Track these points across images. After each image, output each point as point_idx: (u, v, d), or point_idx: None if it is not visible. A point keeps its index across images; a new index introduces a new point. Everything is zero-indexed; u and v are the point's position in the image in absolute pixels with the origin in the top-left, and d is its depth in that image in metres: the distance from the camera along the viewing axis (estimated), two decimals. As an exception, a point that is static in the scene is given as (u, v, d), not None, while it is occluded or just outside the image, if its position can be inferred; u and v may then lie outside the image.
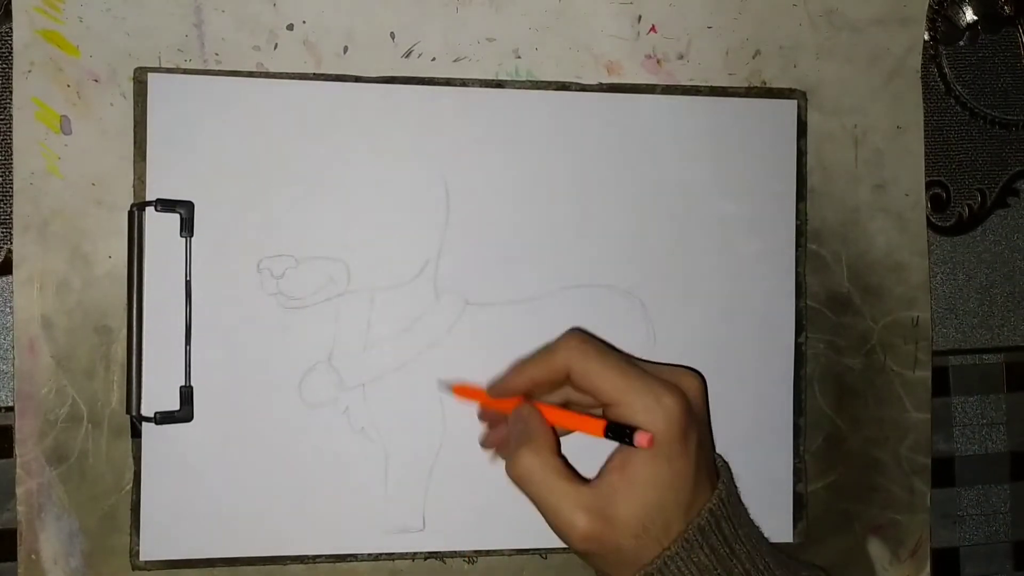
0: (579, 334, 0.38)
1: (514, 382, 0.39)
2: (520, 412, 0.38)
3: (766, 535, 0.45)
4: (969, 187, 0.49)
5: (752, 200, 0.46)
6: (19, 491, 0.41)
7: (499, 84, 0.44)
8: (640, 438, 0.34)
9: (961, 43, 0.49)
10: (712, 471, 0.37)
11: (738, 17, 0.46)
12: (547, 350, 0.38)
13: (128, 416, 0.41)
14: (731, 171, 0.45)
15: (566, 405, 0.39)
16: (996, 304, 0.50)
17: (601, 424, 0.36)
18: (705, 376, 0.45)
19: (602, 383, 0.36)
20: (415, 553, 0.43)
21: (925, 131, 0.48)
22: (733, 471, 0.45)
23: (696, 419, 0.36)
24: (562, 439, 0.38)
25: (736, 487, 0.39)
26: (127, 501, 0.41)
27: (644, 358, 0.45)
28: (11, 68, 0.41)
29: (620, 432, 0.35)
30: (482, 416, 0.42)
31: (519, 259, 0.44)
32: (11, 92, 0.41)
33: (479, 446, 0.43)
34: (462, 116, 0.44)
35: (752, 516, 0.45)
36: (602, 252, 0.44)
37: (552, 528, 0.35)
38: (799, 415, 0.46)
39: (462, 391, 0.42)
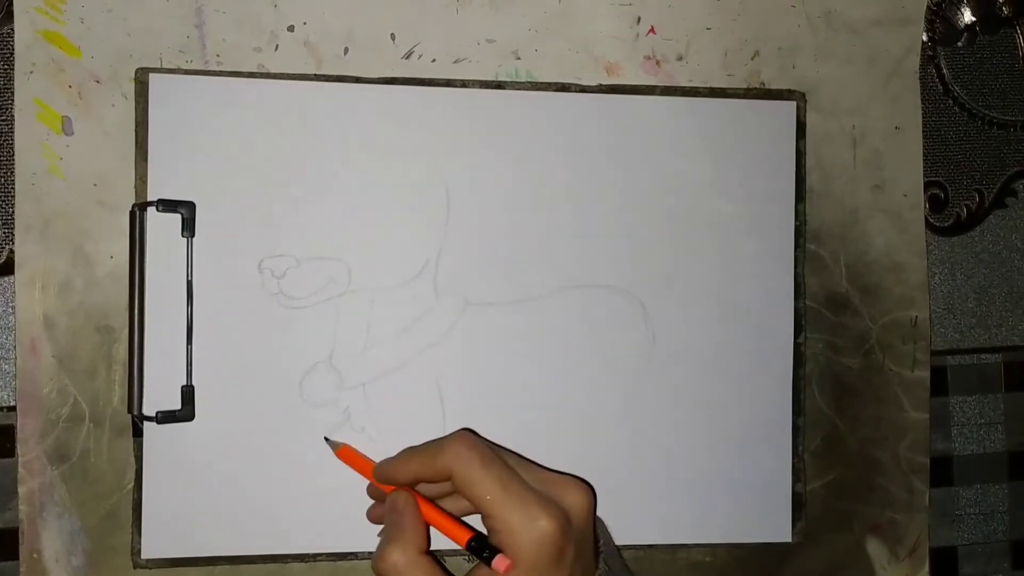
0: (467, 436, 0.37)
1: (398, 472, 0.38)
2: (396, 502, 0.38)
3: (765, 535, 0.46)
4: (967, 188, 0.50)
5: (751, 201, 0.46)
6: (21, 490, 0.41)
7: (499, 85, 0.44)
8: (499, 562, 0.34)
9: (959, 44, 0.49)
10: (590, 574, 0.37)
11: (737, 18, 0.46)
12: (434, 449, 0.37)
13: (130, 415, 0.41)
14: (730, 172, 0.46)
15: (438, 500, 0.39)
16: (994, 304, 0.50)
17: (466, 536, 0.36)
18: (705, 377, 0.45)
19: (480, 495, 0.35)
20: (415, 552, 0.43)
21: (923, 132, 0.48)
22: (733, 471, 0.45)
23: (575, 537, 0.36)
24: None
25: (619, 562, 0.40)
26: (129, 500, 0.41)
27: (643, 358, 0.45)
28: (13, 69, 0.41)
29: (482, 549, 0.35)
30: (369, 491, 0.42)
31: (519, 259, 0.44)
32: (13, 93, 0.41)
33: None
34: (462, 117, 0.44)
35: (751, 516, 0.45)
36: (602, 252, 0.45)
37: None
38: (798, 415, 0.46)
39: (347, 456, 0.41)
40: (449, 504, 0.40)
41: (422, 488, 0.39)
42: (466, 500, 0.37)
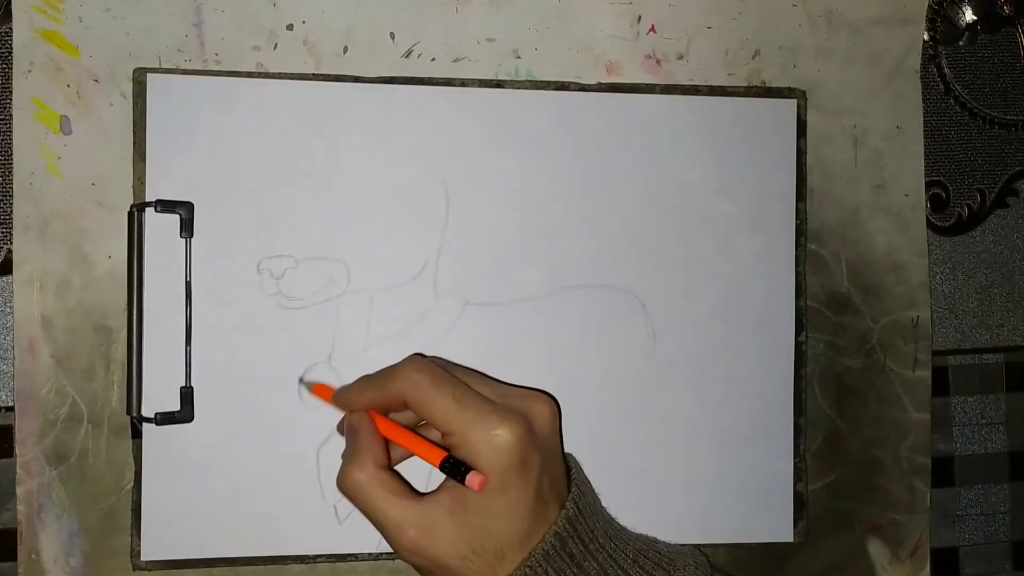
0: (418, 361, 0.37)
1: (355, 399, 0.38)
2: (351, 422, 0.37)
3: (766, 535, 0.46)
4: (968, 187, 0.50)
5: (752, 200, 0.46)
6: (19, 491, 0.41)
7: (499, 84, 0.44)
8: (472, 479, 0.34)
9: (960, 43, 0.49)
10: (561, 491, 0.36)
11: (738, 17, 0.46)
12: (386, 376, 0.37)
13: (128, 416, 0.41)
14: (731, 171, 0.45)
15: (414, 427, 0.38)
16: (995, 304, 0.50)
17: (439, 456, 0.35)
18: (706, 377, 0.45)
19: (437, 415, 0.35)
20: (415, 553, 0.43)
21: (924, 131, 0.48)
22: (733, 471, 0.45)
23: (539, 447, 0.35)
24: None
25: (592, 495, 0.39)
26: (127, 501, 0.41)
27: (644, 358, 0.45)
28: (11, 68, 0.41)
29: (456, 469, 0.35)
30: (339, 429, 0.41)
31: (519, 259, 0.44)
32: (11, 92, 0.41)
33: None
34: (462, 116, 0.44)
35: (752, 516, 0.45)
36: (602, 252, 0.44)
37: (383, 536, 0.35)
38: (799, 415, 0.46)
39: (321, 391, 0.41)
40: (424, 432, 0.39)
41: (398, 417, 0.38)
42: (427, 423, 0.37)
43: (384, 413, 0.38)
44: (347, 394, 0.39)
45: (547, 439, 0.36)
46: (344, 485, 0.36)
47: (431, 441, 0.37)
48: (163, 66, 0.42)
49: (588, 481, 0.39)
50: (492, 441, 0.34)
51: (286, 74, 0.42)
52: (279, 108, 0.42)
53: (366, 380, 0.38)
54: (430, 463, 0.36)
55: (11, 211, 0.41)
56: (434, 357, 0.39)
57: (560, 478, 0.37)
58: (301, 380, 0.42)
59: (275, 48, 0.43)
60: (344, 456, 0.37)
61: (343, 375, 0.42)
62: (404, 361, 0.37)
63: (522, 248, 0.44)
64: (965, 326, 0.50)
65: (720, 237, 0.45)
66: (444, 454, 0.35)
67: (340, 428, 0.41)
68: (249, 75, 0.42)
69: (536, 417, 0.36)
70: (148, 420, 0.41)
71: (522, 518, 0.34)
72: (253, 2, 0.42)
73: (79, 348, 0.41)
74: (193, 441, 0.41)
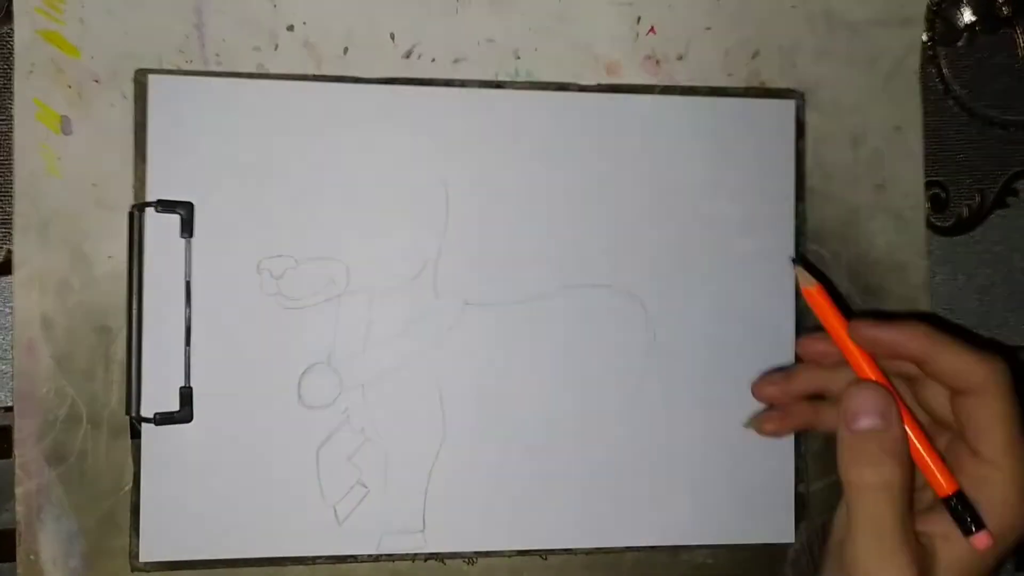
0: (1006, 364, 0.30)
1: (886, 335, 0.30)
2: (887, 409, 0.30)
3: (767, 536, 0.46)
4: (968, 187, 0.49)
5: (751, 200, 0.46)
6: (18, 491, 0.40)
7: (499, 85, 0.44)
8: (978, 539, 0.29)
9: (960, 44, 0.49)
10: None
11: (737, 18, 0.46)
12: (971, 356, 0.30)
13: (127, 417, 0.41)
14: (730, 171, 0.46)
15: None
16: (996, 304, 0.50)
17: (950, 489, 0.30)
18: (706, 377, 0.45)
19: (998, 437, 0.29)
20: (415, 554, 0.43)
21: (924, 131, 0.48)
22: (734, 472, 0.45)
23: None
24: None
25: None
26: (126, 502, 0.41)
27: (644, 358, 0.45)
28: (12, 69, 0.41)
29: (962, 512, 0.29)
30: (804, 347, 0.34)
31: (519, 259, 0.44)
32: (12, 93, 0.41)
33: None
34: (462, 117, 0.44)
35: (753, 517, 0.45)
36: (602, 252, 0.44)
37: (851, 551, 0.29)
38: (800, 415, 0.46)
39: (816, 300, 0.33)
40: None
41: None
42: (949, 413, 0.31)
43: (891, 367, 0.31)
44: (875, 328, 0.31)
45: None
46: (874, 483, 0.29)
47: (945, 462, 0.31)
48: (164, 67, 0.42)
49: None
50: None
51: (287, 75, 0.43)
52: (280, 109, 0.42)
53: (928, 336, 0.31)
54: (935, 489, 0.30)
55: (11, 211, 0.41)
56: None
57: None
58: (794, 262, 0.36)
59: (276, 49, 0.43)
60: (873, 445, 0.29)
61: (343, 375, 0.42)
62: (994, 354, 0.31)
63: (522, 248, 0.44)
64: (965, 326, 0.50)
65: (720, 237, 0.45)
66: (956, 488, 0.30)
67: (802, 346, 0.34)
68: (250, 76, 0.42)
69: None
70: (147, 420, 0.41)
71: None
72: (254, 3, 0.42)
73: (79, 348, 0.41)
74: (192, 441, 0.41)
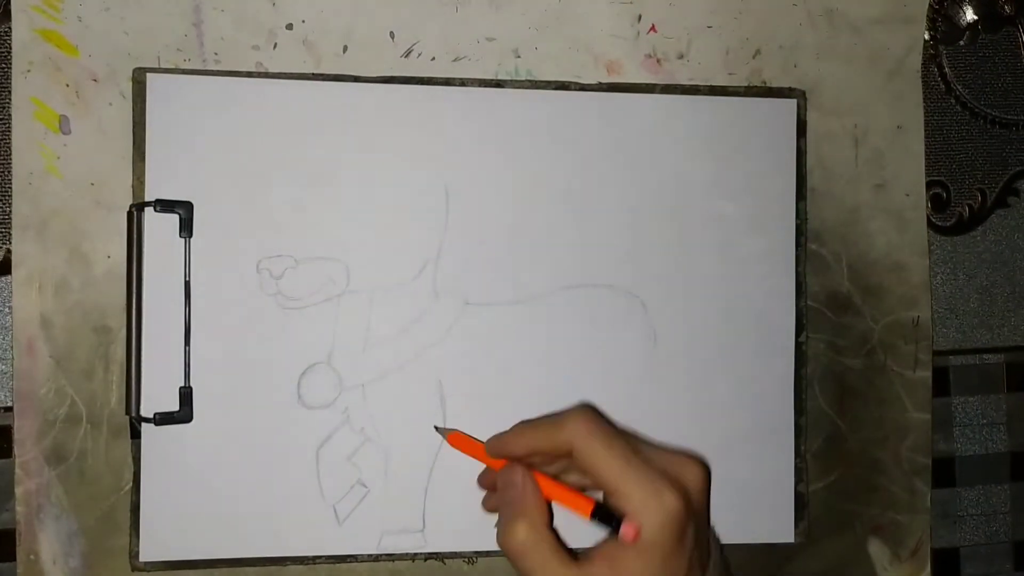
0: (588, 412, 0.37)
1: (514, 445, 0.38)
2: (513, 477, 0.37)
3: (767, 535, 0.46)
4: (969, 187, 0.49)
5: (752, 200, 0.46)
6: (18, 491, 0.40)
7: (499, 84, 0.44)
8: (626, 530, 0.34)
9: (961, 43, 0.49)
10: (703, 558, 0.36)
11: (738, 17, 0.46)
12: (553, 422, 0.37)
13: (127, 416, 0.41)
14: (731, 170, 0.45)
15: (556, 477, 0.38)
16: (996, 304, 0.50)
17: (589, 505, 0.35)
18: (706, 377, 0.45)
19: (604, 469, 0.35)
20: (415, 554, 0.43)
21: (925, 131, 0.48)
22: (734, 472, 0.45)
23: (695, 515, 0.35)
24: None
25: (726, 560, 0.39)
26: (126, 502, 0.41)
27: (644, 358, 0.45)
28: (10, 67, 0.41)
29: (607, 518, 0.34)
30: (481, 481, 0.41)
31: (519, 259, 0.44)
32: (10, 92, 0.41)
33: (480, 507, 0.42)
34: (462, 116, 0.43)
35: (753, 516, 0.45)
36: (602, 252, 0.44)
37: None
38: (800, 415, 0.46)
39: (458, 441, 0.41)
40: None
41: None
42: (581, 476, 0.36)
43: (529, 463, 0.38)
44: (503, 441, 0.38)
45: (701, 505, 0.36)
46: (511, 545, 0.35)
47: (578, 491, 0.37)
48: (162, 66, 0.42)
49: (719, 540, 0.39)
50: (658, 506, 0.34)
51: (286, 74, 0.42)
52: (278, 108, 0.42)
53: (526, 426, 0.38)
54: (580, 514, 0.35)
55: (10, 211, 0.41)
56: (596, 410, 0.39)
57: (705, 544, 0.37)
58: (437, 428, 0.42)
59: (275, 48, 0.43)
60: (504, 512, 0.36)
61: (343, 375, 0.42)
62: (573, 410, 0.37)
63: (522, 248, 0.44)
64: (966, 326, 0.50)
65: (720, 237, 0.45)
66: (593, 503, 0.35)
67: (482, 480, 0.41)
68: (248, 75, 0.42)
69: (692, 483, 0.36)
70: (147, 420, 0.41)
71: None
72: (252, 2, 0.42)
73: (78, 348, 0.41)
74: (192, 441, 0.41)
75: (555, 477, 0.38)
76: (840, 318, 0.47)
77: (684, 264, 0.45)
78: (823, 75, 0.46)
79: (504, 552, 0.35)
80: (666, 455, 0.37)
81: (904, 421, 0.47)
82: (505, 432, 0.39)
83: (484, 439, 0.40)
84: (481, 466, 0.41)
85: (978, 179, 0.50)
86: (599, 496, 0.36)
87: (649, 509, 0.34)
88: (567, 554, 0.35)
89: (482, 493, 0.42)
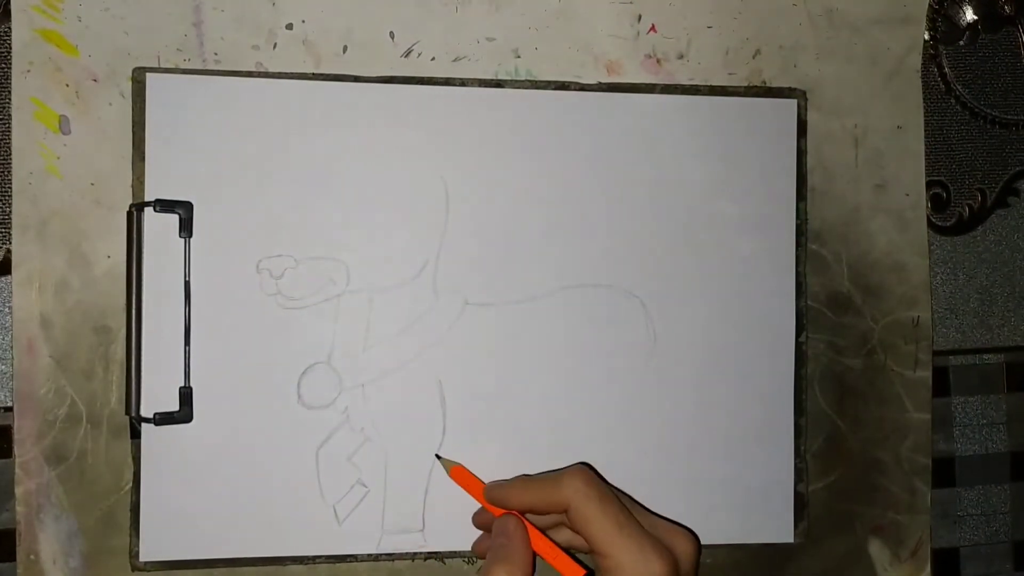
0: (585, 473, 0.37)
1: (512, 498, 0.39)
2: (506, 526, 0.38)
3: (767, 536, 0.46)
4: (969, 187, 0.49)
5: (752, 200, 0.46)
6: (18, 491, 0.40)
7: (498, 84, 0.44)
8: None
9: (961, 43, 0.49)
10: None
11: (738, 17, 0.46)
12: (552, 482, 0.37)
13: (127, 416, 0.41)
14: (731, 170, 0.45)
15: (548, 529, 0.39)
16: (996, 304, 0.50)
17: (579, 573, 0.37)
18: (706, 377, 0.45)
19: (596, 532, 0.36)
20: (415, 553, 0.43)
21: (925, 131, 0.48)
22: (734, 472, 0.45)
23: None
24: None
25: None
26: (126, 502, 0.41)
27: (644, 358, 0.45)
28: (10, 67, 0.41)
29: None
30: (475, 519, 0.42)
31: (519, 259, 0.44)
32: (10, 92, 0.41)
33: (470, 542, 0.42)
34: (461, 116, 0.43)
35: (753, 517, 0.45)
36: (602, 252, 0.44)
37: None
38: (800, 415, 0.46)
39: (459, 476, 0.41)
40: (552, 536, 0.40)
41: (529, 517, 0.39)
42: (574, 534, 0.38)
43: (524, 515, 0.39)
44: (503, 491, 0.39)
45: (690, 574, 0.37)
46: None
47: (571, 555, 0.38)
48: (162, 65, 0.42)
49: None
50: (645, 570, 0.35)
51: (285, 74, 0.42)
52: (278, 108, 0.42)
53: (527, 481, 0.39)
54: None
55: (10, 211, 0.41)
56: (594, 470, 0.39)
57: None
58: (438, 456, 0.42)
59: (274, 47, 0.43)
60: (490, 555, 0.37)
61: (343, 375, 0.42)
62: (571, 470, 0.38)
63: (522, 248, 0.44)
64: (966, 326, 0.50)
65: (720, 237, 0.45)
66: (584, 572, 0.37)
67: (476, 520, 0.42)
68: (248, 75, 0.42)
69: (682, 554, 0.37)
70: (147, 420, 0.41)
71: None
72: (252, 1, 0.42)
73: (78, 348, 0.41)
74: (192, 441, 0.41)
75: (547, 530, 0.39)
76: (840, 318, 0.47)
77: (684, 264, 0.45)
78: (823, 75, 0.46)
79: None
80: (659, 524, 0.38)
81: (904, 421, 0.47)
82: (505, 482, 0.40)
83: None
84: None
85: (978, 179, 0.50)
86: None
87: (637, 575, 0.35)
88: None
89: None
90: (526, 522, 0.38)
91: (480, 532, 0.42)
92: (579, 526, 0.36)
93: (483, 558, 0.41)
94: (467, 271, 0.43)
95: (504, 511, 0.39)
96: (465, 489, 0.41)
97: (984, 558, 0.50)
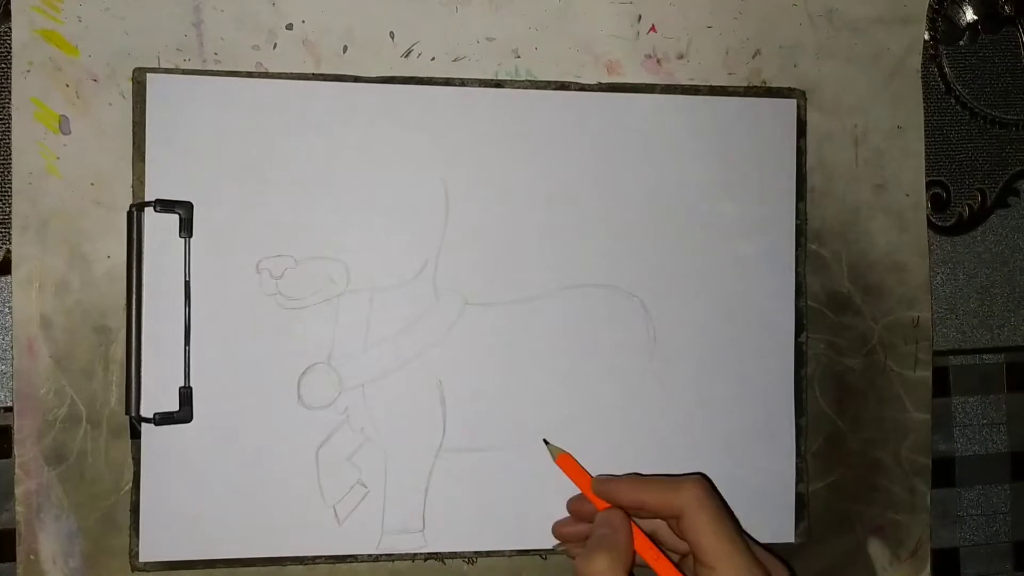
0: (705, 482, 0.38)
1: (623, 494, 0.39)
2: (612, 519, 0.38)
3: (767, 535, 0.46)
4: (969, 187, 0.49)
5: (752, 200, 0.46)
6: (18, 491, 0.40)
7: (498, 84, 0.44)
8: None
9: (961, 43, 0.49)
10: None
11: (738, 17, 0.46)
12: (669, 485, 0.38)
13: (127, 417, 0.41)
14: (731, 171, 0.45)
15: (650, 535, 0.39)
16: (996, 304, 0.50)
17: None
18: (706, 377, 0.45)
19: (709, 543, 0.36)
20: (415, 554, 0.43)
21: (925, 131, 0.48)
22: (734, 472, 0.45)
23: None
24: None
25: None
26: (126, 502, 0.41)
27: (644, 358, 0.45)
28: (10, 68, 0.41)
29: None
30: (571, 505, 0.42)
31: (519, 259, 0.44)
32: (10, 92, 0.41)
33: (551, 533, 0.43)
34: (461, 116, 0.43)
35: (754, 517, 0.45)
36: (602, 252, 0.44)
37: None
38: (800, 415, 0.46)
39: (566, 464, 0.41)
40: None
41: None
42: (675, 539, 0.38)
43: (629, 514, 0.39)
44: (614, 487, 0.39)
45: None
46: (587, 572, 0.35)
47: (673, 562, 0.38)
48: (162, 66, 0.42)
49: None
50: None
51: (285, 74, 0.42)
52: (278, 108, 0.42)
53: (641, 481, 0.39)
54: None
55: (10, 211, 0.41)
56: (707, 478, 0.40)
57: None
58: (546, 442, 0.42)
59: (274, 48, 0.43)
60: (592, 543, 0.37)
61: (343, 375, 0.42)
62: (692, 478, 0.38)
63: (522, 248, 0.44)
64: (966, 326, 0.50)
65: (720, 237, 0.45)
66: None
67: (571, 506, 0.42)
68: (248, 75, 0.42)
69: None
70: (147, 420, 0.41)
71: None
72: (252, 2, 0.42)
73: (78, 348, 0.41)
74: (192, 442, 0.41)
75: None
76: (840, 318, 0.47)
77: (684, 264, 0.45)
78: (823, 75, 0.46)
79: None
80: (760, 550, 0.38)
81: (904, 421, 0.47)
82: (616, 477, 0.40)
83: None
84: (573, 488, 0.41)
85: (978, 179, 0.50)
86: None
87: None
88: None
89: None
90: (631, 520, 0.38)
91: (566, 517, 0.42)
92: (690, 533, 0.36)
93: (562, 540, 0.42)
94: (467, 271, 0.43)
95: (609, 505, 0.39)
96: (570, 477, 0.41)
97: (984, 558, 0.50)
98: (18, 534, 0.41)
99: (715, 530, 0.36)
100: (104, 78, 0.41)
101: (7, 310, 0.42)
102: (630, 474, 0.41)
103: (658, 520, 0.39)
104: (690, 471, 0.45)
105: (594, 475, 0.41)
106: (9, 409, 0.41)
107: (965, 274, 0.50)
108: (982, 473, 0.50)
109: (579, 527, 0.41)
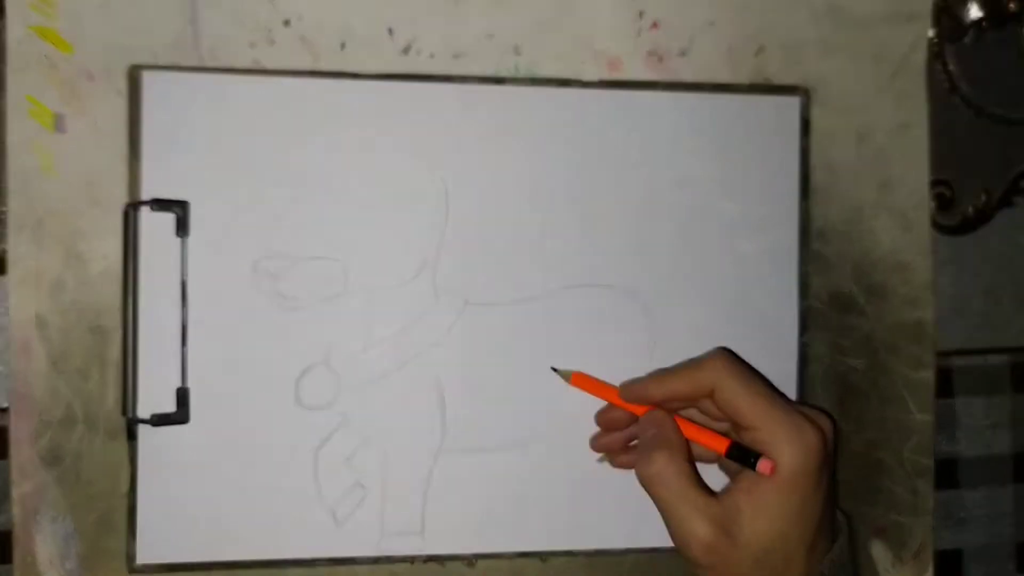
0: (727, 353, 0.38)
1: (653, 390, 0.39)
2: (655, 417, 0.38)
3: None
4: (974, 186, 0.49)
5: (755, 198, 0.45)
6: (14, 493, 0.40)
7: (499, 81, 0.44)
8: (763, 464, 0.35)
9: (966, 40, 0.49)
10: (834, 517, 0.38)
11: (741, 13, 0.45)
12: (693, 366, 0.38)
13: (124, 418, 0.41)
14: (734, 169, 0.45)
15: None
16: (1001, 304, 0.50)
17: (726, 443, 0.37)
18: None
19: (747, 407, 0.36)
20: (414, 556, 0.43)
21: (930, 129, 0.47)
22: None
23: (829, 460, 0.37)
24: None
25: (853, 544, 0.40)
26: (123, 504, 0.41)
27: (645, 358, 0.44)
28: (4, 65, 0.40)
29: (744, 455, 0.36)
30: (600, 418, 0.42)
31: (519, 258, 0.43)
32: (4, 90, 0.40)
33: (588, 447, 0.43)
34: (461, 113, 0.43)
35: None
36: (603, 251, 0.44)
37: (671, 533, 0.36)
38: (802, 416, 0.46)
39: (582, 382, 0.41)
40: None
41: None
42: (713, 420, 0.39)
43: (666, 408, 0.39)
44: (641, 387, 0.40)
45: (831, 454, 0.37)
46: (650, 472, 0.36)
47: (715, 431, 0.38)
48: (158, 63, 0.41)
49: (849, 522, 0.40)
50: (800, 439, 0.35)
51: (283, 71, 0.42)
52: (276, 105, 0.42)
53: (665, 373, 0.39)
54: (715, 450, 0.38)
55: (5, 210, 0.41)
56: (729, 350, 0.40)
57: (835, 501, 0.38)
58: (554, 369, 0.42)
59: (272, 44, 0.42)
60: (644, 445, 0.37)
61: (342, 376, 0.42)
62: (712, 353, 0.39)
63: (522, 247, 0.43)
64: (970, 326, 0.49)
65: (723, 236, 0.45)
66: (729, 442, 0.37)
67: (600, 418, 0.42)
68: (245, 72, 0.42)
69: (826, 430, 0.37)
70: (143, 421, 0.40)
71: (811, 526, 0.35)
72: (250, -2, 0.42)
73: (74, 348, 0.41)
74: (189, 443, 0.41)
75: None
76: (843, 318, 0.46)
77: (685, 264, 0.45)
78: (827, 72, 0.46)
79: (642, 482, 0.36)
80: (798, 404, 0.39)
81: (907, 422, 0.47)
82: (640, 379, 0.40)
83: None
84: (598, 403, 0.42)
85: (983, 178, 0.49)
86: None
87: (792, 444, 0.35)
88: (705, 488, 0.36)
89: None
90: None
91: (598, 431, 0.43)
92: (727, 404, 0.37)
93: (602, 451, 0.43)
94: (467, 271, 0.43)
95: (645, 408, 0.39)
96: (593, 393, 0.41)
97: (987, 560, 0.50)
98: (14, 536, 0.40)
99: (747, 392, 0.36)
100: (100, 76, 0.41)
101: (3, 310, 0.42)
102: (652, 371, 0.41)
103: (691, 410, 0.40)
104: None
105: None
106: (5, 410, 0.41)
107: (969, 274, 0.49)
108: (986, 474, 0.50)
109: (613, 436, 0.42)
